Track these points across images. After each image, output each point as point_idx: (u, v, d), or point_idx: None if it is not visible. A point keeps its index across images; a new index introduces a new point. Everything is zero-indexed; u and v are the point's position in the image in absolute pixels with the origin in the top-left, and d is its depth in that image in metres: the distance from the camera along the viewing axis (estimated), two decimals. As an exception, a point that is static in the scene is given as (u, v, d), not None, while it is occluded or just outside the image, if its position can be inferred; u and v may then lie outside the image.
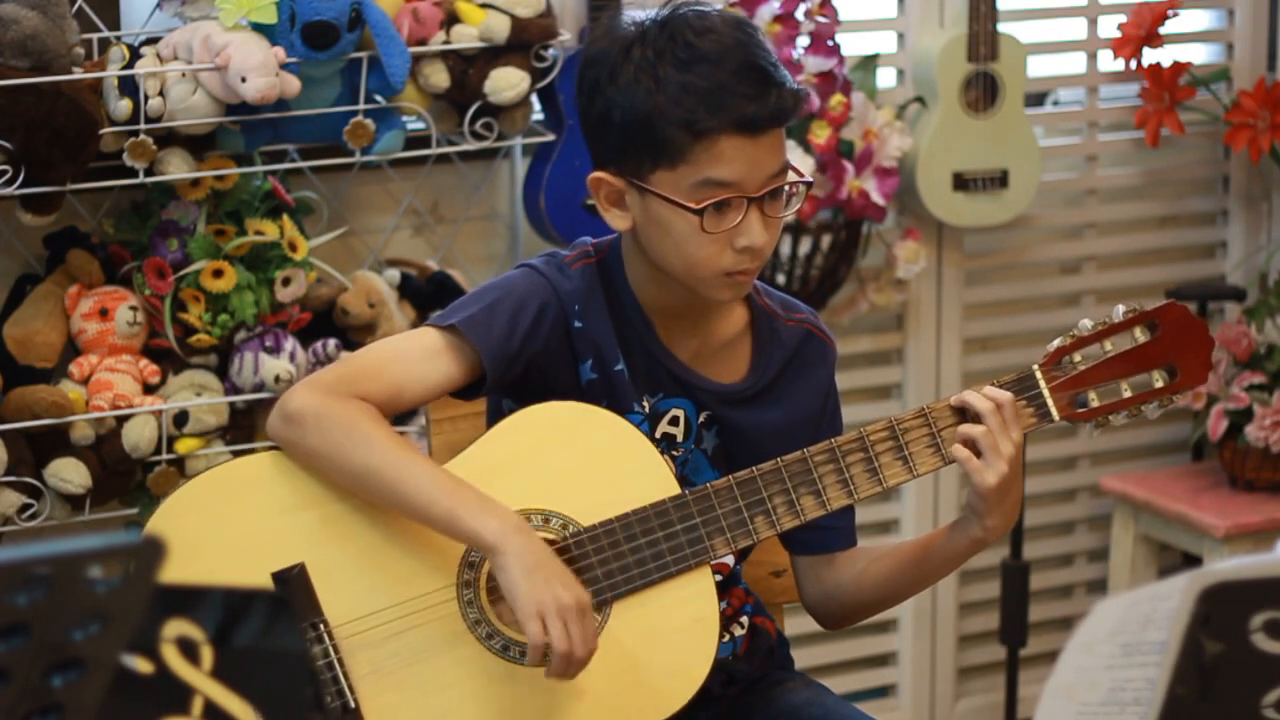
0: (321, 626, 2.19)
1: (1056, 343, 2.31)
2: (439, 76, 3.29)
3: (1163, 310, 2.32)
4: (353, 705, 2.19)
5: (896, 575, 2.37)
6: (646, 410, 2.33)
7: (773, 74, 2.21)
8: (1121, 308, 2.32)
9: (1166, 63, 3.96)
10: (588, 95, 2.27)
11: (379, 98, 3.23)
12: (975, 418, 2.25)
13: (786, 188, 2.24)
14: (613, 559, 2.23)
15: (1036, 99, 4.13)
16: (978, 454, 2.23)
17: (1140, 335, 2.32)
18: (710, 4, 2.29)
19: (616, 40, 2.25)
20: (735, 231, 2.21)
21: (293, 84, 3.08)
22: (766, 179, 2.21)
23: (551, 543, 2.24)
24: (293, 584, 2.19)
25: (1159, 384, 2.33)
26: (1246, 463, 3.94)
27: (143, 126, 3.05)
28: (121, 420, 3.10)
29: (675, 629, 2.24)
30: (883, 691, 4.14)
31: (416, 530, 2.22)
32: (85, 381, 3.13)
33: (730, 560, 2.37)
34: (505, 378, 2.28)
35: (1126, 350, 2.31)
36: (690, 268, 2.24)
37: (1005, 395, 2.25)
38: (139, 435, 3.10)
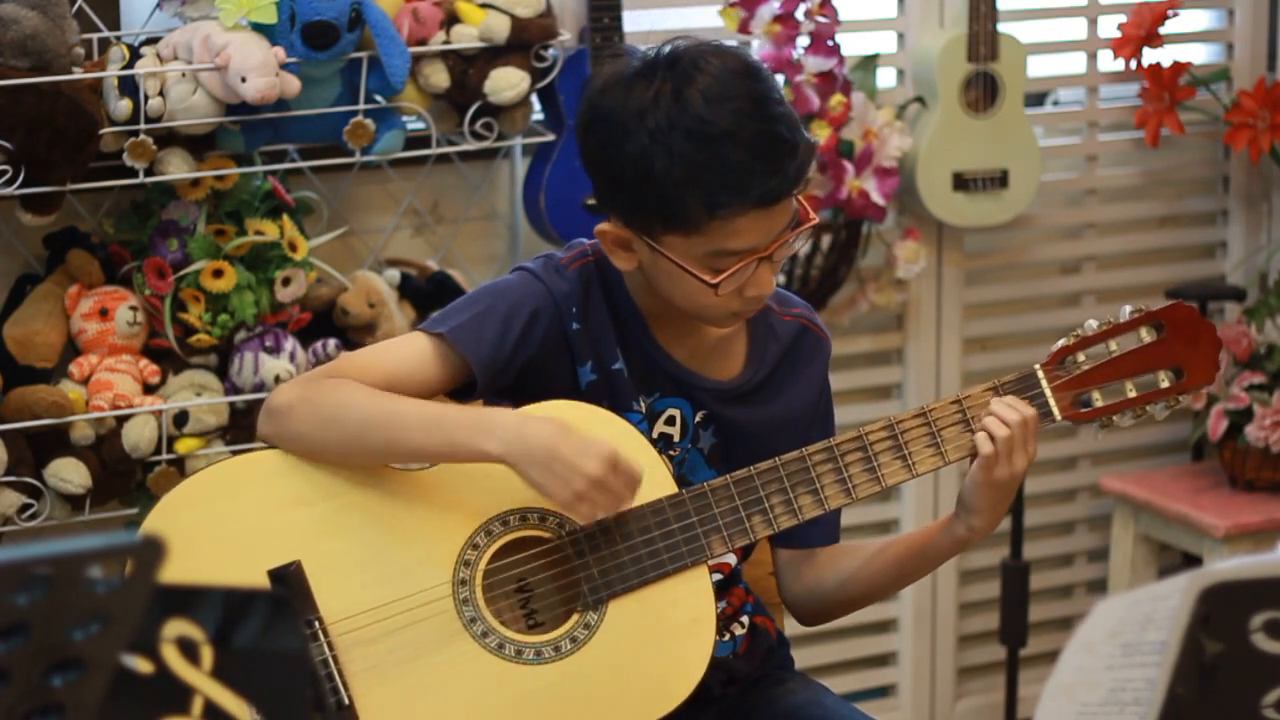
0: (317, 624, 2.19)
1: (1060, 342, 2.31)
2: (439, 76, 3.29)
3: (1169, 310, 2.31)
4: (347, 702, 2.19)
5: (880, 575, 2.38)
6: (644, 410, 2.33)
7: (788, 139, 2.17)
8: (1128, 308, 2.32)
9: (1166, 63, 3.96)
10: (595, 149, 2.23)
11: (379, 98, 3.23)
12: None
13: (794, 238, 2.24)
14: (609, 558, 2.23)
15: (1036, 99, 4.13)
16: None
17: (1146, 335, 2.31)
18: (709, 41, 2.24)
19: (624, 96, 2.19)
20: (747, 285, 2.21)
21: (293, 84, 3.08)
22: (777, 236, 2.21)
23: (547, 541, 2.24)
24: (288, 581, 2.19)
25: (1165, 384, 2.32)
26: (1246, 463, 3.94)
27: (143, 126, 3.05)
28: (121, 420, 3.10)
29: (672, 628, 2.24)
30: (883, 691, 4.14)
31: (413, 528, 2.23)
32: (85, 381, 3.13)
33: (731, 560, 2.38)
34: (497, 383, 2.28)
35: (1132, 350, 2.30)
36: (699, 311, 2.26)
37: (1031, 412, 2.25)
38: (139, 435, 3.10)
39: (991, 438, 2.23)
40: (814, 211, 2.25)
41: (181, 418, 3.13)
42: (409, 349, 2.29)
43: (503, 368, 2.27)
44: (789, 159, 2.17)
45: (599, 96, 2.23)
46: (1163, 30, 3.95)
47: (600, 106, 2.23)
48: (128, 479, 3.15)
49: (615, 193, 2.23)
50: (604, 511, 2.17)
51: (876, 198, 3.70)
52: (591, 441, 2.16)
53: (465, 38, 3.30)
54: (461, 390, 2.30)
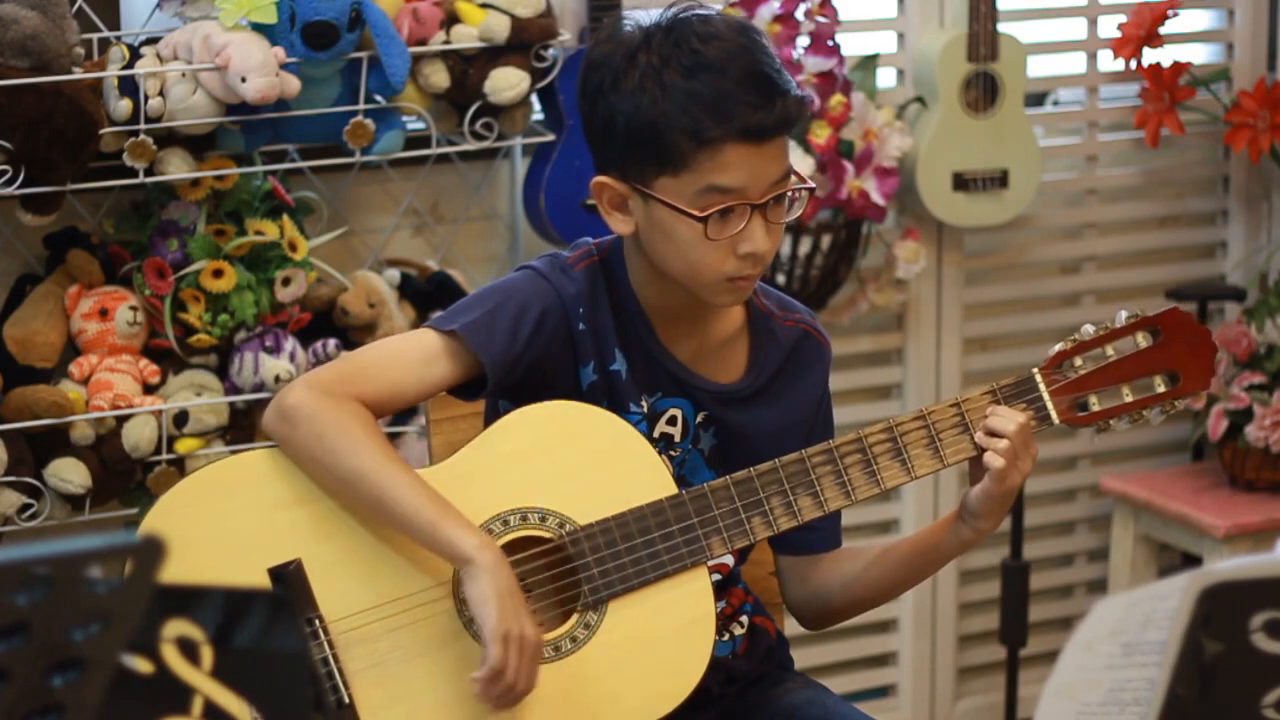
0: (317, 622, 2.20)
1: (1058, 346, 2.32)
2: (439, 76, 3.29)
3: (1165, 316, 2.32)
4: (347, 700, 2.19)
5: (885, 578, 2.38)
6: (645, 410, 2.33)
7: (777, 81, 2.20)
8: (1124, 312, 2.32)
9: (1166, 63, 3.96)
10: (591, 99, 2.25)
11: (379, 98, 3.24)
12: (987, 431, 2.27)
13: (789, 193, 2.24)
14: (609, 558, 2.23)
15: (1036, 99, 4.13)
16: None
17: (1142, 340, 2.32)
18: (712, 6, 2.29)
19: (620, 44, 2.23)
20: (738, 238, 2.21)
21: (293, 84, 3.08)
22: (770, 186, 2.21)
23: (547, 541, 2.24)
24: (289, 579, 2.19)
25: (1161, 389, 2.33)
26: (1246, 463, 3.94)
27: (143, 126, 3.05)
28: (121, 420, 3.10)
29: (671, 629, 2.24)
30: (883, 691, 4.14)
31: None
32: (85, 381, 3.13)
33: (730, 560, 2.38)
34: (506, 381, 2.28)
35: (1128, 355, 2.31)
36: (693, 273, 2.24)
37: (1024, 418, 2.26)
38: (139, 435, 3.10)
39: (997, 451, 2.24)
40: (810, 204, 2.26)
41: (181, 418, 3.13)
42: (418, 345, 2.29)
43: (513, 365, 2.27)
44: (778, 96, 2.19)
45: (594, 49, 2.28)
46: (1163, 30, 3.95)
47: (595, 56, 2.26)
48: (128, 479, 3.15)
49: (609, 140, 2.24)
50: (507, 668, 2.12)
51: (876, 198, 3.70)
52: (539, 626, 2.16)
53: (465, 38, 3.30)
54: (468, 388, 2.30)
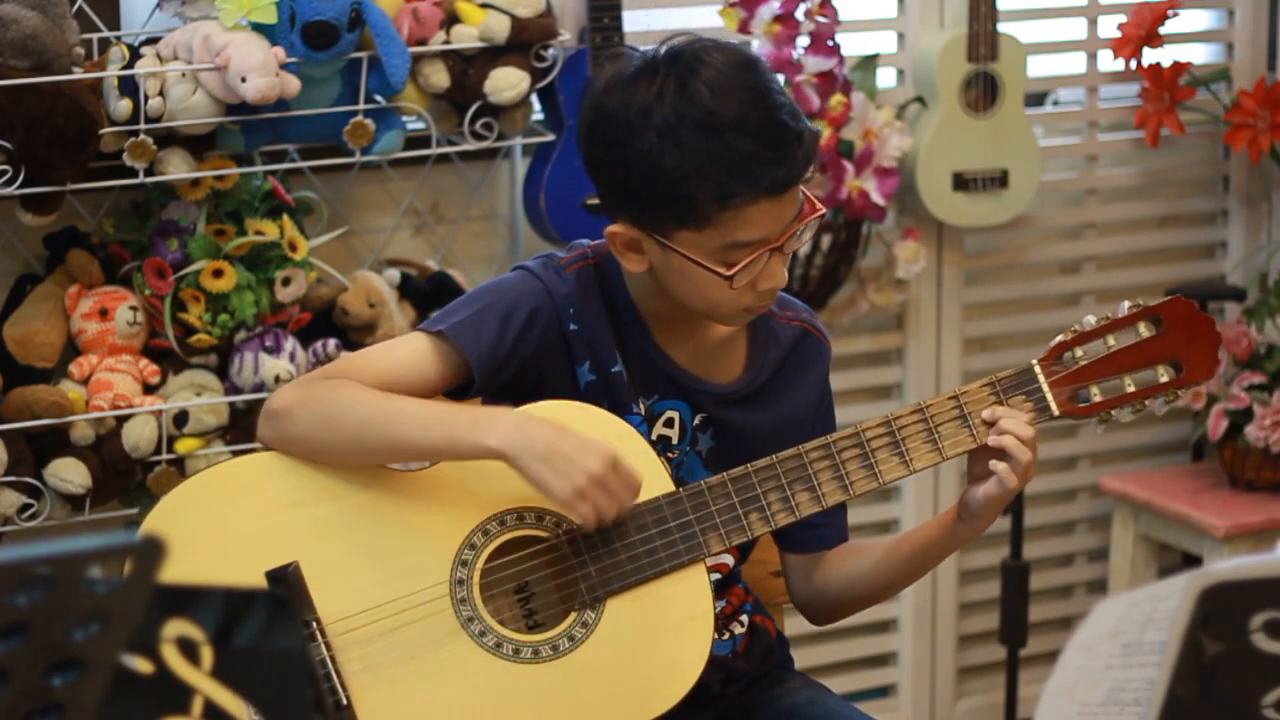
0: (314, 624, 2.20)
1: (1058, 338, 2.31)
2: (439, 76, 3.29)
3: (1168, 305, 2.31)
4: (345, 702, 2.19)
5: (886, 575, 2.39)
6: (643, 412, 2.33)
7: (792, 126, 2.18)
8: (1126, 303, 2.32)
9: (1166, 63, 3.96)
10: (600, 150, 2.23)
11: (379, 98, 3.23)
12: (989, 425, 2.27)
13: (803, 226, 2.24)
14: (606, 556, 2.23)
15: (1036, 99, 4.13)
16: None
17: (1145, 330, 2.31)
18: (710, 37, 2.25)
19: (628, 96, 2.19)
20: (759, 278, 2.21)
21: (293, 84, 3.08)
22: (788, 225, 2.21)
23: (544, 540, 2.24)
24: (286, 582, 2.19)
25: (1164, 379, 2.32)
26: (1246, 463, 3.94)
27: (143, 126, 3.05)
28: (121, 420, 3.10)
29: (669, 626, 2.24)
30: (883, 691, 4.14)
31: (410, 528, 2.23)
32: (85, 381, 3.13)
33: (730, 560, 2.38)
34: (495, 381, 2.28)
35: (1130, 345, 2.30)
36: (712, 309, 2.25)
37: (1029, 432, 2.25)
38: (139, 435, 3.10)
39: (1014, 472, 2.24)
40: (818, 204, 2.25)
41: (181, 418, 3.13)
42: (408, 348, 2.29)
43: (501, 365, 2.27)
44: (795, 146, 2.18)
45: (601, 98, 2.23)
46: (1163, 30, 3.95)
47: (604, 108, 2.22)
48: (128, 479, 3.15)
49: (624, 193, 2.22)
50: (604, 512, 2.16)
51: (876, 198, 3.70)
52: (592, 440, 2.16)
53: (465, 38, 3.30)
54: (460, 390, 2.30)
